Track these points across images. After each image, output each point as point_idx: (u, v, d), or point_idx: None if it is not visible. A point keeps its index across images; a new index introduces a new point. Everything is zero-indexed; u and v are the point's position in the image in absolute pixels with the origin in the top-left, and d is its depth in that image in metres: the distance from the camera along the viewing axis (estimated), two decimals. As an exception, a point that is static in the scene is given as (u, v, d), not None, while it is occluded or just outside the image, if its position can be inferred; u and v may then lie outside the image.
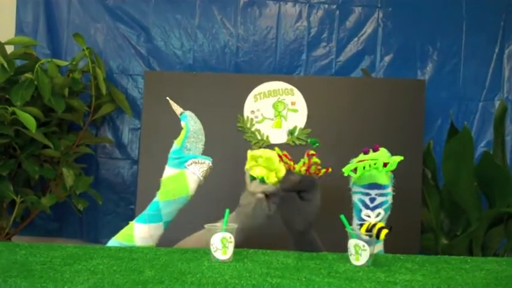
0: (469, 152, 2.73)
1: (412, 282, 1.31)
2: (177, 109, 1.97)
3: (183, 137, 1.88)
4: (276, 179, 1.83)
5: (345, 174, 1.75)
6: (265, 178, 1.82)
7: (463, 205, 2.82)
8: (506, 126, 3.13)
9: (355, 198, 1.83)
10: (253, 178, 1.84)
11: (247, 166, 1.89)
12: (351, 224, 1.73)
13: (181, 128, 1.92)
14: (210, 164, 1.90)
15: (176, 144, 1.89)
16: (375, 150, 1.80)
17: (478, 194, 2.86)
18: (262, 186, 1.82)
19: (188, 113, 1.95)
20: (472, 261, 1.64)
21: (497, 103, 3.19)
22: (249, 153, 1.90)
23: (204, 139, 1.94)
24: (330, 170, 1.84)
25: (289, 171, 1.83)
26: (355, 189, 1.83)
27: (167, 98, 2.01)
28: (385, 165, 1.73)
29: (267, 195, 1.83)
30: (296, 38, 3.36)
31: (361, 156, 1.80)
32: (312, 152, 1.83)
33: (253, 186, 1.83)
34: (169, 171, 1.87)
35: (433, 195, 2.94)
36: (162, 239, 1.85)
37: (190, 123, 1.91)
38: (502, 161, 2.94)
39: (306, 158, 1.82)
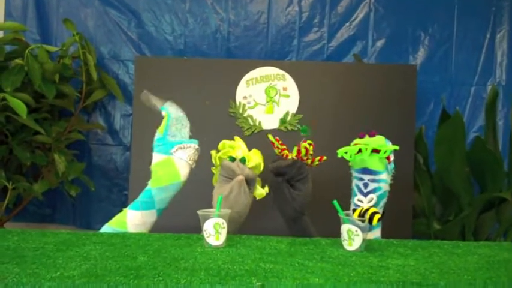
0: (461, 137, 2.74)
1: (405, 266, 1.31)
2: (157, 102, 1.95)
3: (164, 124, 1.89)
4: (254, 164, 1.85)
5: (338, 156, 1.77)
6: (246, 159, 1.84)
7: (455, 190, 2.83)
8: (498, 111, 3.14)
9: (353, 183, 1.85)
10: (232, 159, 1.86)
11: (220, 154, 1.91)
12: (348, 209, 1.75)
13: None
14: (197, 147, 1.89)
15: (159, 133, 1.89)
16: (370, 136, 1.81)
17: (469, 179, 2.88)
18: (244, 167, 1.83)
19: (168, 102, 1.95)
20: (464, 245, 1.65)
21: (489, 88, 3.20)
22: (221, 143, 1.93)
23: (189, 125, 1.93)
24: (324, 158, 1.86)
25: (280, 157, 1.85)
26: (352, 173, 1.85)
27: (144, 92, 1.98)
28: (376, 152, 1.74)
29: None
30: (287, 23, 3.34)
31: (356, 141, 1.82)
32: (308, 142, 1.84)
33: (236, 166, 1.83)
34: (156, 158, 1.87)
35: (425, 180, 2.95)
36: (155, 226, 1.85)
37: (171, 110, 1.91)
38: (494, 146, 2.95)
39: (303, 150, 1.84)
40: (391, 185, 1.83)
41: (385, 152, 1.75)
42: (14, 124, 2.77)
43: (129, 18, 3.36)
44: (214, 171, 2.00)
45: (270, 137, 1.89)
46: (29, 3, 3.35)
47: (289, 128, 2.79)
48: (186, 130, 1.92)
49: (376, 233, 1.84)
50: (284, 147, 1.87)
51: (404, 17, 3.31)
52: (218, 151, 1.96)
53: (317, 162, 1.87)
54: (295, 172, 1.81)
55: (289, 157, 1.83)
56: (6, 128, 2.78)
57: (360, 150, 1.76)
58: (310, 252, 1.48)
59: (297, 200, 1.81)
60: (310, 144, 1.84)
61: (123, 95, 3.26)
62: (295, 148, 1.85)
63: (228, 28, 3.35)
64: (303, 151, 1.84)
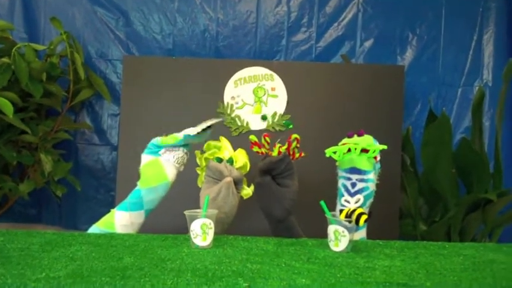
0: (448, 139, 2.75)
1: (391, 267, 1.32)
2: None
3: (169, 143, 1.86)
4: (241, 164, 1.86)
5: (327, 156, 1.76)
6: (233, 159, 1.84)
7: (441, 191, 2.84)
8: (484, 112, 3.16)
9: (340, 183, 1.85)
10: (219, 160, 1.87)
11: (206, 155, 1.91)
12: (335, 209, 1.75)
13: (169, 132, 1.90)
14: (185, 150, 1.88)
15: (158, 141, 1.87)
16: (359, 135, 1.82)
17: (456, 180, 2.89)
18: (232, 168, 1.84)
19: (190, 139, 1.88)
20: (450, 246, 1.66)
21: (475, 89, 3.21)
22: (207, 144, 1.94)
23: (187, 155, 1.92)
24: (302, 154, 1.86)
25: (266, 154, 1.85)
26: (339, 173, 1.85)
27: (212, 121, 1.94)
28: (365, 151, 1.75)
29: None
30: (276, 23, 3.34)
31: (345, 140, 1.83)
32: (294, 136, 1.84)
33: (224, 167, 1.84)
34: (144, 159, 1.87)
35: (412, 181, 2.96)
36: (141, 226, 1.85)
37: (185, 147, 1.89)
38: (480, 147, 2.96)
39: (294, 143, 1.84)
40: (378, 186, 1.83)
41: (374, 151, 1.75)
42: (0, 123, 2.75)
43: (117, 17, 3.34)
44: (199, 172, 2.00)
45: (253, 137, 1.88)
46: (15, 1, 3.32)
47: (277, 128, 2.79)
48: (184, 156, 1.90)
49: (361, 234, 1.84)
50: (276, 144, 1.85)
51: (392, 17, 3.32)
52: (203, 152, 1.95)
53: (298, 156, 1.87)
54: (284, 167, 1.80)
55: (275, 154, 1.83)
56: (-9, 127, 2.76)
57: (349, 150, 1.76)
58: (297, 253, 1.48)
59: (286, 196, 1.80)
60: (296, 139, 1.85)
61: (111, 94, 3.24)
62: (281, 145, 1.84)
63: (217, 28, 3.34)
64: (294, 143, 1.84)
